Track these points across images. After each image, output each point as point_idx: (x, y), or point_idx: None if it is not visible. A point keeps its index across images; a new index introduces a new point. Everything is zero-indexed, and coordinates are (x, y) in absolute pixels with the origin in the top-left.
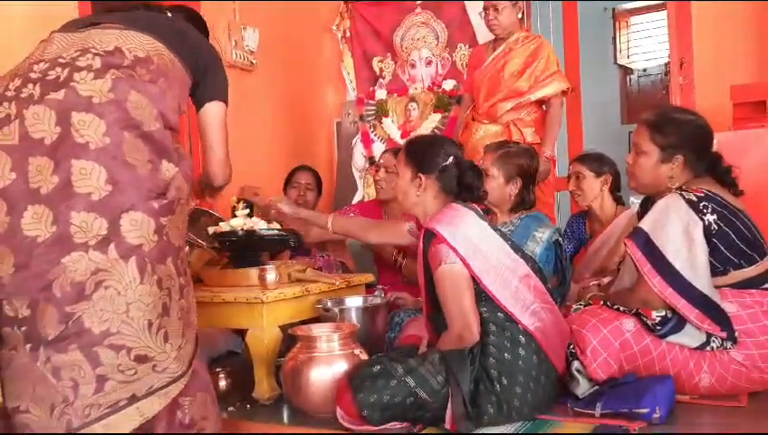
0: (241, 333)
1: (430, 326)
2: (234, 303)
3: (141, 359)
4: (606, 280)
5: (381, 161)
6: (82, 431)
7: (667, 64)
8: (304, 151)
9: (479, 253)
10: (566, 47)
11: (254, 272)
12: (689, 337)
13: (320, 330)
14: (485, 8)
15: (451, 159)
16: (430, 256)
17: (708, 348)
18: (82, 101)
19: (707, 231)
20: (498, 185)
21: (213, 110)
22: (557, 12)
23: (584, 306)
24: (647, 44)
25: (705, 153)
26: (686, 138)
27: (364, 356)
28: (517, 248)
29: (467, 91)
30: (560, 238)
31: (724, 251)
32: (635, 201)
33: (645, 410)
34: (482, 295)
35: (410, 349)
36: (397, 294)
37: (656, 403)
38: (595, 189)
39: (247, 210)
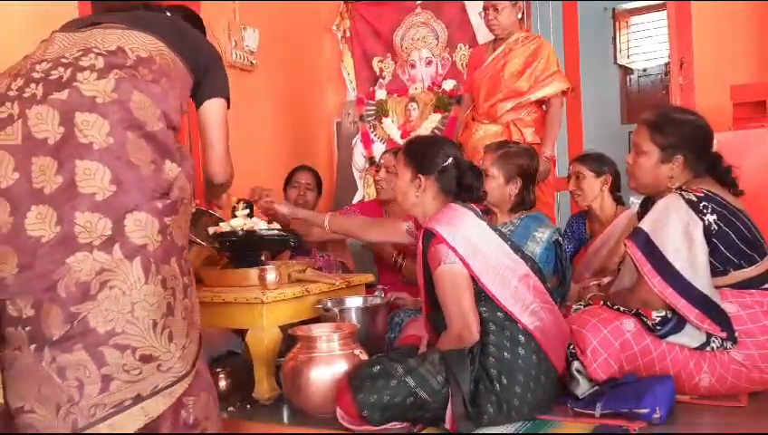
0: (241, 333)
1: (430, 326)
2: (234, 303)
3: (146, 359)
4: (606, 280)
5: (382, 161)
6: (88, 431)
7: (667, 64)
8: (304, 151)
9: (478, 253)
10: (566, 47)
11: (254, 272)
12: (689, 337)
13: (320, 330)
14: (485, 8)
15: (450, 159)
16: (430, 256)
17: (708, 348)
18: (86, 101)
19: (707, 231)
20: (498, 185)
21: (213, 106)
22: (557, 12)
23: (584, 306)
24: (647, 44)
25: (706, 153)
26: (686, 138)
27: (364, 356)
28: (516, 248)
29: (467, 91)
30: (560, 238)
31: (724, 251)
32: (635, 201)
33: (645, 411)
34: (481, 295)
35: (410, 349)
36: (397, 295)
37: (656, 403)
38: (595, 189)
39: (247, 210)
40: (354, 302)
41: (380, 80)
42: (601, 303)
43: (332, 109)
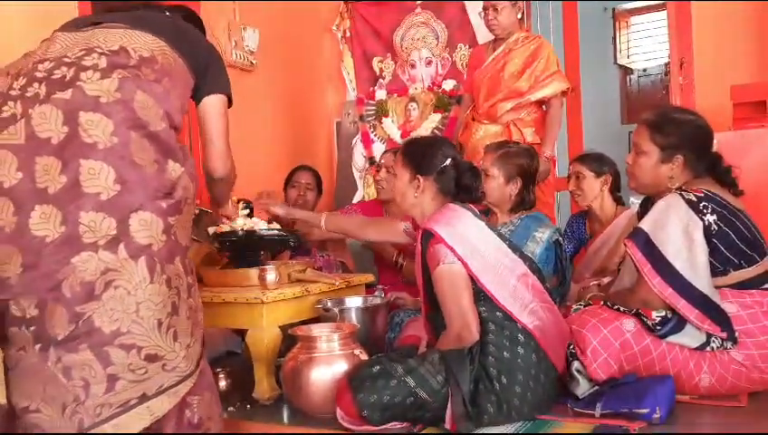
0: (241, 333)
1: (429, 327)
2: (234, 303)
3: (151, 358)
4: (606, 280)
5: (382, 161)
6: (94, 431)
7: (667, 64)
8: (304, 151)
9: (477, 252)
10: (566, 47)
11: (254, 272)
12: (689, 337)
13: (320, 330)
14: (485, 8)
15: (449, 160)
16: (428, 256)
17: (708, 348)
18: (90, 101)
19: (707, 231)
20: (498, 185)
21: (212, 101)
22: (557, 12)
23: (584, 306)
24: (647, 44)
25: (706, 153)
26: (686, 138)
27: (364, 356)
28: (515, 248)
29: (467, 91)
30: (560, 238)
31: (724, 251)
32: (635, 201)
33: (645, 411)
34: (480, 295)
35: (410, 349)
36: (397, 295)
37: (656, 403)
38: (595, 189)
39: (247, 210)
40: (354, 302)
41: (380, 80)
42: (601, 303)
43: (332, 109)
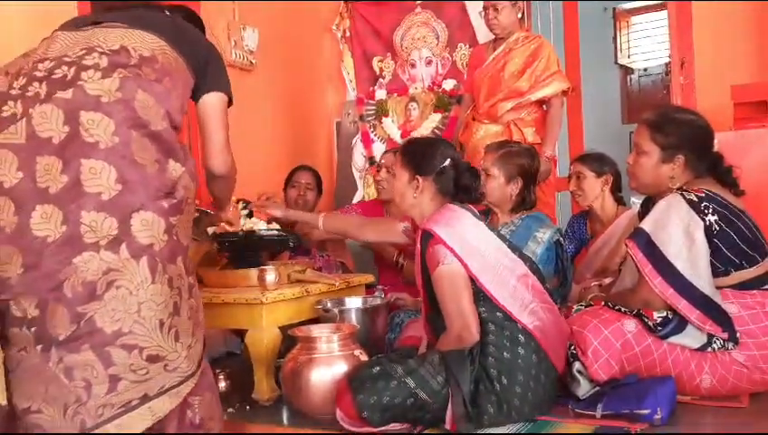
0: (240, 333)
1: (429, 327)
2: (233, 303)
3: (153, 358)
4: (607, 281)
5: (382, 161)
6: (96, 431)
7: (667, 64)
8: (304, 151)
9: (476, 253)
10: (566, 47)
11: (253, 272)
12: (690, 338)
13: (319, 331)
14: (485, 8)
15: (448, 161)
16: (428, 256)
17: (710, 349)
18: (91, 101)
19: (708, 231)
20: (499, 185)
21: (211, 99)
22: (557, 12)
23: (585, 307)
24: (647, 44)
25: (706, 153)
26: (687, 138)
27: (364, 357)
28: (514, 248)
29: (468, 90)
30: (561, 239)
31: (726, 252)
32: (636, 201)
33: (646, 411)
34: (480, 295)
35: (410, 350)
36: (397, 295)
37: (657, 404)
38: (596, 189)
39: (247, 211)
40: (354, 302)
41: (380, 79)
42: (602, 303)
43: (332, 109)
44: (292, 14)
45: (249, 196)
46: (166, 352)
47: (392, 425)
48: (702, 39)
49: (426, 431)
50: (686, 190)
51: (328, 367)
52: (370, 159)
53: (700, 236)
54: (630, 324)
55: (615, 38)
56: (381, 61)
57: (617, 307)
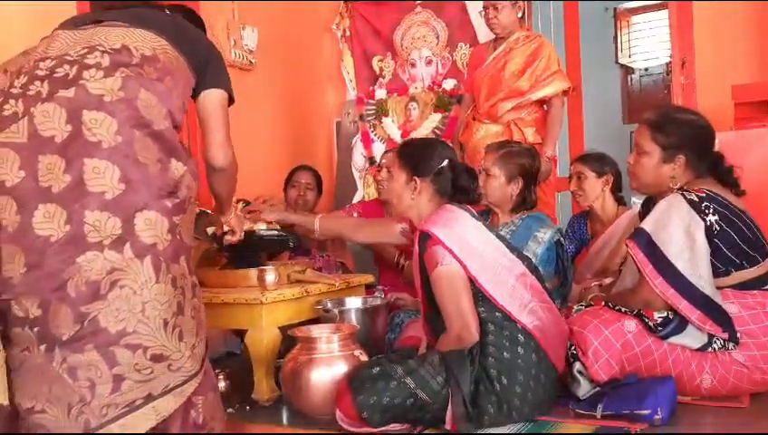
0: (240, 333)
1: (428, 328)
2: (233, 304)
3: (157, 358)
4: (607, 281)
5: (383, 161)
6: (100, 431)
7: (668, 64)
8: (304, 151)
9: (475, 253)
10: (567, 47)
11: (253, 273)
12: (691, 338)
13: (319, 331)
14: (485, 7)
15: (446, 161)
16: (426, 257)
17: (710, 349)
18: (93, 100)
19: (709, 232)
20: (500, 185)
21: (212, 95)
22: (558, 11)
23: (586, 307)
24: (648, 44)
25: (707, 153)
26: (688, 138)
27: (364, 357)
28: (512, 248)
29: (468, 90)
30: (561, 239)
31: (726, 252)
32: (636, 201)
33: (646, 412)
34: (479, 295)
35: (410, 350)
36: (397, 295)
37: (657, 404)
38: (596, 189)
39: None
40: (354, 303)
41: (380, 79)
42: (603, 303)
43: (332, 108)
44: (292, 13)
45: (249, 196)
46: (170, 351)
47: (392, 425)
48: (703, 39)
49: (426, 432)
50: (686, 190)
51: (328, 367)
52: (370, 159)
53: (701, 236)
54: (631, 325)
55: (616, 38)
56: (381, 60)
57: (617, 307)
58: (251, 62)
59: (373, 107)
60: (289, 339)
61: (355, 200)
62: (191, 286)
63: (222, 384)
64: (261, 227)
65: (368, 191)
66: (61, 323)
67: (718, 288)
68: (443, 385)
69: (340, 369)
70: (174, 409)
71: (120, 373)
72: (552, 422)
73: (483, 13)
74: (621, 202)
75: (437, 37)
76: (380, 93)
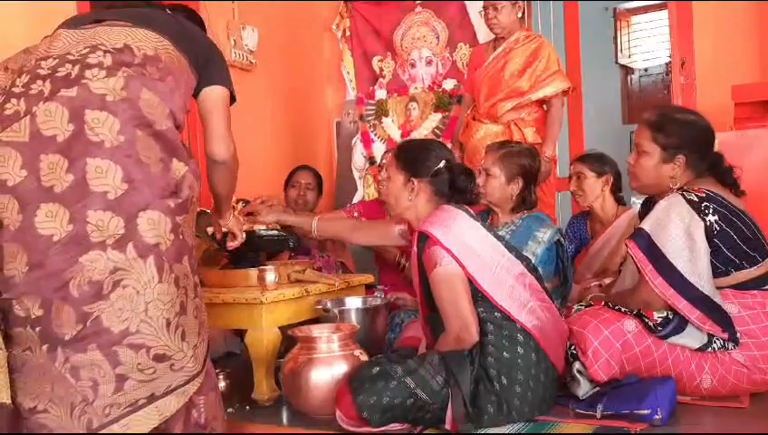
0: (240, 333)
1: (428, 329)
2: (233, 303)
3: (160, 358)
4: (607, 281)
5: (384, 161)
6: (102, 431)
7: (668, 64)
8: (304, 151)
9: (473, 253)
10: (567, 47)
11: (253, 272)
12: (691, 338)
13: (319, 331)
14: (485, 7)
15: (443, 162)
16: (425, 258)
17: (710, 349)
18: (95, 99)
19: (709, 232)
20: (500, 184)
21: (213, 91)
22: (558, 11)
23: (585, 307)
24: (648, 44)
25: (707, 153)
26: (688, 138)
27: (364, 357)
28: (511, 247)
29: (468, 90)
30: (561, 238)
31: (726, 252)
32: (636, 201)
33: (646, 412)
34: (478, 295)
35: (410, 350)
36: (397, 295)
37: (657, 404)
38: (596, 190)
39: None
40: (354, 302)
41: (380, 79)
42: (603, 303)
43: (332, 108)
44: (292, 13)
45: (249, 196)
46: (172, 351)
47: (392, 425)
48: (702, 39)
49: (426, 432)
50: (686, 190)
51: (328, 367)
52: (370, 159)
53: (700, 236)
54: (630, 325)
55: (615, 38)
56: (381, 60)
57: (617, 307)
58: (251, 62)
59: (373, 107)
60: (289, 339)
61: (355, 200)
62: (193, 286)
63: (222, 384)
64: (261, 227)
65: (368, 191)
66: (63, 322)
67: (718, 288)
68: (443, 385)
69: (340, 369)
70: (176, 409)
71: (123, 373)
72: (551, 422)
73: (483, 13)
74: (621, 202)
75: (437, 37)
76: (380, 93)
